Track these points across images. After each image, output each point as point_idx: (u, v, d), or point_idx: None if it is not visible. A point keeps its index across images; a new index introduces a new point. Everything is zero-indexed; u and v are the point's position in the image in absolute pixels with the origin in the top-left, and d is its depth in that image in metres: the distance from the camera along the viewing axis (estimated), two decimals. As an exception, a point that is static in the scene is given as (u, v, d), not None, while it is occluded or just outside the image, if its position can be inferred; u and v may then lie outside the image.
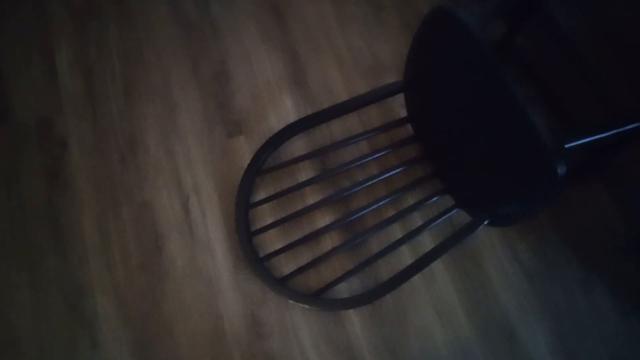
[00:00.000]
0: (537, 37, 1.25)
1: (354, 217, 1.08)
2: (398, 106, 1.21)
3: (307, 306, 1.03)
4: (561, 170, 0.75)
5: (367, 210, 1.08)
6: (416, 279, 1.06)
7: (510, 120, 0.82)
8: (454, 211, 1.07)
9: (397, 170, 1.12)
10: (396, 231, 1.11)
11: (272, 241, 1.09)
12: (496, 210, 0.98)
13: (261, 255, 1.07)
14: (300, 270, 1.05)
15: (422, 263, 1.02)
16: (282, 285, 1.04)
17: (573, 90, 1.17)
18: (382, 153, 1.13)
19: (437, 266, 1.08)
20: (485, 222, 0.99)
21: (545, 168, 0.77)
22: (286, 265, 1.08)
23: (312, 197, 1.13)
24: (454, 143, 1.05)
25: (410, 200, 1.13)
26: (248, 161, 1.13)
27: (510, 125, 0.83)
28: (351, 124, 1.21)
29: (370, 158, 1.13)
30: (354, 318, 1.04)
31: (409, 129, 1.17)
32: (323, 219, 1.11)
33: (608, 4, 1.39)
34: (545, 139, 0.76)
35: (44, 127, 1.17)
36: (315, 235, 1.07)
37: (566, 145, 0.78)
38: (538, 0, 1.07)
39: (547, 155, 0.76)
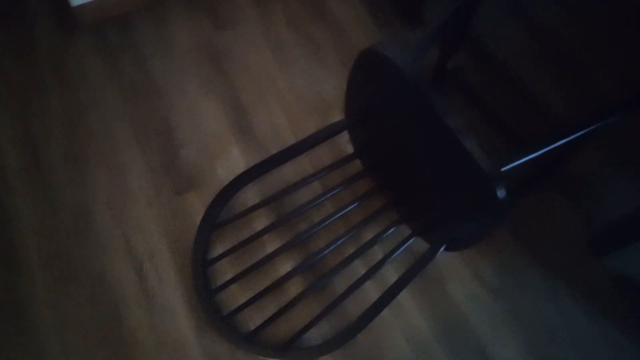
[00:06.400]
0: (472, 61, 1.30)
1: (316, 259, 1.07)
2: (345, 143, 1.23)
3: (278, 360, 1.00)
4: (501, 193, 0.77)
5: (328, 250, 1.08)
6: (385, 313, 1.05)
7: (448, 149, 0.84)
8: (411, 240, 1.08)
9: (352, 206, 1.12)
10: (359, 268, 1.10)
11: (235, 296, 1.07)
12: (450, 235, 0.99)
13: (225, 312, 1.04)
14: (268, 322, 1.03)
15: (388, 297, 1.01)
16: (250, 341, 1.01)
17: (513, 108, 1.21)
18: (335, 191, 1.14)
19: (404, 297, 1.08)
20: (443, 248, 1.00)
21: (486, 193, 0.79)
22: (253, 319, 1.05)
23: (271, 244, 1.12)
24: (401, 173, 1.06)
25: (368, 234, 1.13)
26: (201, 217, 1.11)
27: (449, 154, 0.85)
28: (301, 165, 1.21)
29: (324, 198, 1.13)
30: (328, 364, 1.02)
31: (358, 164, 1.18)
32: (285, 266, 1.10)
33: (534, 13, 1.46)
34: (482, 166, 0.77)
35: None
36: (278, 284, 1.06)
37: (503, 169, 0.80)
38: (466, 27, 1.12)
39: (486, 181, 0.78)
